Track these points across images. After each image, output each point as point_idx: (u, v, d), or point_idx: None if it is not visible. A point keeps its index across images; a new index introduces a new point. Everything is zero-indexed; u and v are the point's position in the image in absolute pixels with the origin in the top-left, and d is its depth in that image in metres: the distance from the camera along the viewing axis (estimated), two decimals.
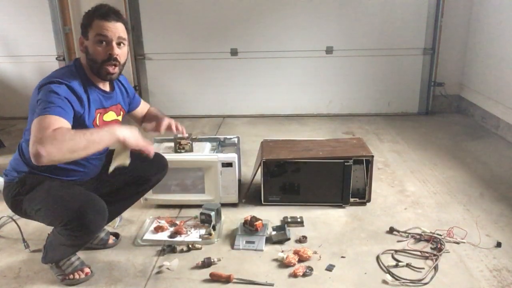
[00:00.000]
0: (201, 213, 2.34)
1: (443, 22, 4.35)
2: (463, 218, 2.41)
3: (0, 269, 2.04)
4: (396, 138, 3.85)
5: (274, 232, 2.23)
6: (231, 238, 2.24)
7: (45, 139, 1.47)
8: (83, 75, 1.79)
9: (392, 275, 1.90)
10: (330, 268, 1.98)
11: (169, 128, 2.11)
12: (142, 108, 2.21)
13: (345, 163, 2.48)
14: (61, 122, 1.56)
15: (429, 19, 4.36)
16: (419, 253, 2.07)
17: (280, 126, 4.32)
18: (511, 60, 3.63)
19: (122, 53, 1.80)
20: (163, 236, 2.26)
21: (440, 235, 2.19)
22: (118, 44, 1.77)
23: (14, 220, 2.24)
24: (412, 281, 1.87)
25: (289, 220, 2.37)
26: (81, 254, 1.99)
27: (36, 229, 2.30)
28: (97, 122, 1.82)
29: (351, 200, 2.56)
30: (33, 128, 1.53)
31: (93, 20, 1.74)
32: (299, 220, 2.37)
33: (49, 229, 1.92)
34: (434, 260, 2.01)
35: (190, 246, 2.15)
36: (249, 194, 2.66)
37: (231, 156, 2.50)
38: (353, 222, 2.40)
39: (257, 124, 4.40)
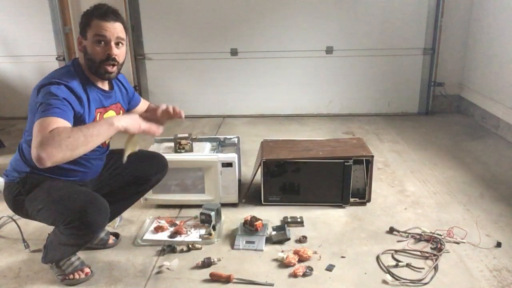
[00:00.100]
0: (201, 213, 2.34)
1: (443, 22, 4.35)
2: (463, 218, 2.41)
3: (0, 269, 2.04)
4: (396, 138, 3.85)
5: (274, 232, 2.23)
6: (231, 238, 2.24)
7: (43, 141, 1.47)
8: (82, 75, 1.79)
9: (392, 275, 1.90)
10: (330, 268, 1.98)
11: (166, 113, 1.98)
12: (142, 106, 2.21)
13: (345, 163, 2.48)
14: (60, 123, 1.56)
15: (429, 19, 4.36)
16: (419, 253, 2.07)
17: (280, 126, 4.32)
18: (511, 60, 3.63)
19: (120, 53, 1.80)
20: (163, 236, 2.26)
21: (440, 235, 2.19)
22: (117, 44, 1.77)
23: (14, 220, 2.24)
24: (412, 281, 1.87)
25: (289, 220, 2.37)
26: (81, 254, 1.99)
27: (36, 229, 2.30)
28: None
29: (351, 200, 2.56)
30: (33, 132, 1.54)
31: (91, 20, 1.73)
32: (299, 220, 2.37)
33: (49, 229, 1.92)
34: (434, 260, 2.01)
35: (190, 246, 2.15)
36: (249, 194, 2.66)
37: (231, 156, 2.50)
38: (353, 222, 2.40)
39: (257, 124, 4.40)
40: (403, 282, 1.86)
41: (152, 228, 2.33)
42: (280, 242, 2.18)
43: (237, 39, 4.49)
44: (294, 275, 1.92)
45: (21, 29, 4.48)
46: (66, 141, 1.48)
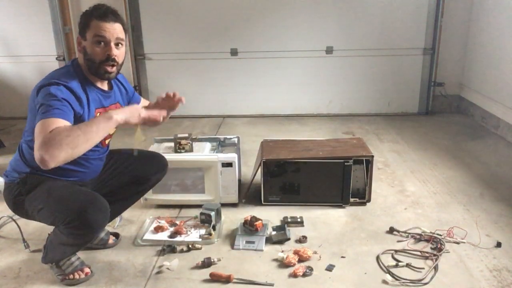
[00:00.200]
0: (201, 213, 2.34)
1: (443, 22, 4.35)
2: (463, 218, 2.41)
3: (0, 269, 2.04)
4: (396, 138, 3.85)
5: (274, 232, 2.22)
6: (231, 238, 2.24)
7: (44, 143, 1.48)
8: (81, 75, 1.79)
9: (392, 275, 1.90)
10: (330, 268, 1.98)
11: (167, 100, 1.92)
12: (142, 105, 2.21)
13: (345, 163, 2.48)
14: (60, 123, 1.56)
15: (429, 19, 4.36)
16: (419, 253, 2.07)
17: (280, 126, 4.32)
18: (511, 60, 3.63)
19: (120, 53, 1.80)
20: (163, 236, 2.26)
21: (440, 235, 2.19)
22: (116, 44, 1.77)
23: (14, 220, 2.24)
24: (412, 281, 1.87)
25: (289, 220, 2.37)
26: (81, 254, 1.99)
27: (36, 229, 2.30)
28: None
29: (351, 200, 2.56)
30: (35, 134, 1.54)
31: (91, 20, 1.73)
32: (299, 220, 2.37)
33: (49, 229, 1.92)
34: (434, 260, 2.01)
35: (190, 246, 2.15)
36: (249, 194, 2.66)
37: (231, 156, 2.50)
38: (353, 222, 2.40)
39: (257, 124, 4.40)
40: (403, 282, 1.86)
41: (152, 228, 2.33)
42: (280, 242, 2.18)
43: (237, 39, 4.49)
44: (294, 275, 1.92)
45: (21, 29, 4.48)
46: (66, 140, 1.49)
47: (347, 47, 4.45)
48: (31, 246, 2.17)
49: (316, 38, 4.45)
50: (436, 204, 2.59)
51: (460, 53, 4.49)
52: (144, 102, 2.23)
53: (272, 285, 1.87)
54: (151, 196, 2.53)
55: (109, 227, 2.28)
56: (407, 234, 2.23)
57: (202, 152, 2.61)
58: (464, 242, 2.16)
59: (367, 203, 2.59)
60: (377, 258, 2.05)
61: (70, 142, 1.49)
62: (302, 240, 2.19)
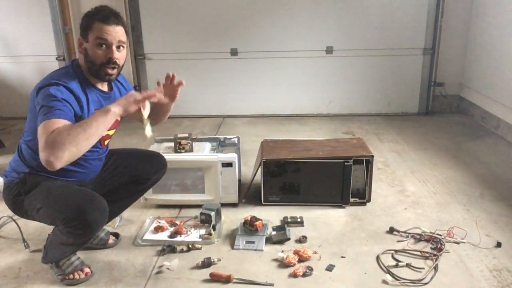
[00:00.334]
0: (201, 213, 2.34)
1: (443, 22, 4.35)
2: (463, 218, 2.41)
3: (0, 269, 2.04)
4: (396, 138, 3.85)
5: (274, 232, 2.22)
6: (231, 238, 2.24)
7: (47, 145, 1.50)
8: (81, 76, 1.79)
9: (392, 275, 1.90)
10: (330, 268, 1.98)
11: (166, 80, 1.89)
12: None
13: (345, 163, 2.48)
14: (62, 123, 1.57)
15: (429, 19, 4.36)
16: (419, 253, 2.07)
17: (280, 126, 4.32)
18: (511, 60, 3.63)
19: (121, 56, 1.80)
20: (163, 236, 2.26)
21: (440, 235, 2.19)
22: (118, 47, 1.77)
23: (14, 220, 2.24)
24: (412, 281, 1.87)
25: (289, 220, 2.37)
26: (81, 254, 1.99)
27: (36, 229, 2.30)
28: None
29: (351, 200, 2.56)
30: (38, 137, 1.57)
31: (93, 22, 1.73)
32: (299, 220, 2.37)
33: (49, 229, 1.92)
34: (434, 260, 2.01)
35: (190, 246, 2.15)
36: (249, 194, 2.66)
37: (231, 156, 2.50)
38: (353, 222, 2.40)
39: (257, 124, 4.40)
40: (403, 282, 1.86)
41: (152, 228, 2.33)
42: (280, 242, 2.18)
43: (237, 39, 4.49)
44: (294, 275, 1.92)
45: (21, 29, 4.48)
46: (68, 139, 1.50)
47: (347, 47, 4.45)
48: (31, 246, 2.18)
49: (316, 38, 4.45)
50: (436, 204, 2.59)
51: (460, 53, 4.49)
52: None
53: (272, 285, 1.87)
54: (151, 196, 2.53)
55: (109, 227, 2.28)
56: (407, 234, 2.23)
57: (202, 152, 2.61)
58: (464, 242, 2.16)
59: (367, 203, 2.59)
60: (377, 258, 2.05)
61: (72, 140, 1.51)
62: (302, 240, 2.19)
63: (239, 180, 2.75)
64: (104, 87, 1.89)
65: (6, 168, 1.90)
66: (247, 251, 2.13)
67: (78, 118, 1.70)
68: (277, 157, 2.53)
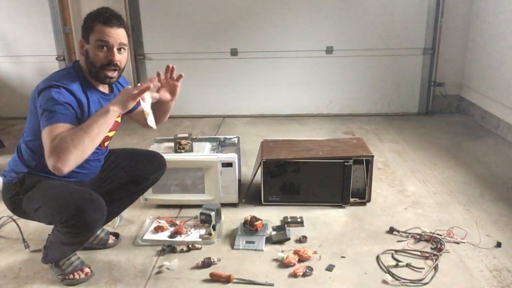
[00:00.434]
0: (201, 213, 2.34)
1: (443, 22, 4.35)
2: (463, 218, 2.41)
3: (0, 269, 2.04)
4: (396, 138, 3.85)
5: (274, 232, 2.22)
6: (231, 238, 2.24)
7: (52, 151, 1.53)
8: (82, 78, 1.79)
9: (392, 275, 1.90)
10: (330, 268, 1.98)
11: (166, 74, 1.89)
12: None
13: (345, 163, 2.48)
14: (65, 128, 1.59)
15: (429, 19, 4.36)
16: (419, 253, 2.07)
17: (280, 126, 4.32)
18: (511, 60, 3.63)
19: (122, 58, 1.80)
20: (163, 236, 2.26)
21: (440, 235, 2.19)
22: (119, 49, 1.77)
23: (14, 220, 2.24)
24: (412, 281, 1.87)
25: (289, 220, 2.37)
26: (81, 254, 1.99)
27: (36, 229, 2.30)
28: None
29: (351, 200, 2.56)
30: (43, 142, 1.59)
31: (95, 24, 1.73)
32: (299, 220, 2.37)
33: (49, 229, 1.92)
34: (434, 260, 2.01)
35: (190, 246, 2.15)
36: (249, 194, 2.66)
37: (231, 156, 2.50)
38: (353, 222, 2.40)
39: (257, 124, 4.40)
40: (403, 282, 1.86)
41: (152, 228, 2.33)
42: (280, 242, 2.18)
43: (237, 39, 4.49)
44: (294, 275, 1.92)
45: (21, 29, 4.48)
46: (71, 143, 1.53)
47: (347, 47, 4.45)
48: (31, 246, 2.18)
49: (316, 38, 4.45)
50: (436, 204, 2.59)
51: (460, 53, 4.49)
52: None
53: (272, 285, 1.87)
54: (151, 196, 2.53)
55: (109, 227, 2.28)
56: (407, 234, 2.23)
57: (202, 152, 2.61)
58: (464, 242, 2.16)
59: (367, 203, 2.59)
60: (377, 258, 2.05)
61: (77, 144, 1.53)
62: (302, 240, 2.19)
63: (239, 180, 2.75)
64: (105, 88, 1.89)
65: (5, 168, 1.90)
66: (247, 251, 2.13)
67: (79, 120, 1.70)
68: (277, 157, 2.53)
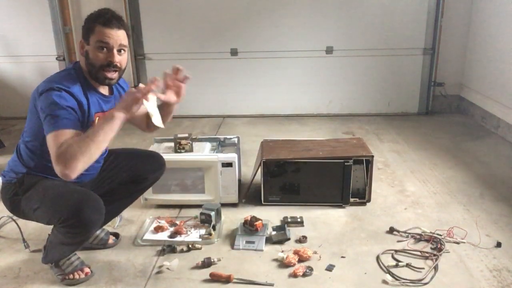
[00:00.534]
0: (201, 213, 2.34)
1: (443, 22, 4.35)
2: (463, 218, 2.41)
3: (0, 269, 2.04)
4: (396, 138, 3.85)
5: (274, 232, 2.22)
6: (231, 238, 2.24)
7: (60, 159, 1.54)
8: (83, 79, 1.79)
9: (392, 275, 1.90)
10: (330, 268, 1.98)
11: (173, 75, 1.89)
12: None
13: (345, 163, 2.48)
14: (70, 134, 1.60)
15: (429, 19, 4.36)
16: (419, 253, 2.07)
17: (280, 126, 4.32)
18: (511, 60, 3.63)
19: (122, 59, 1.80)
20: (163, 236, 2.26)
21: (440, 235, 2.19)
22: (119, 51, 1.77)
23: (14, 220, 2.24)
24: (412, 281, 1.87)
25: (289, 220, 2.37)
26: (81, 254, 1.99)
27: (36, 229, 2.30)
28: None
29: (351, 200, 2.56)
30: (49, 148, 1.60)
31: (95, 25, 1.73)
32: (299, 220, 2.37)
33: (49, 229, 1.91)
34: (434, 260, 2.01)
35: (190, 246, 2.15)
36: (249, 194, 2.66)
37: (231, 156, 2.50)
38: (353, 222, 2.40)
39: (257, 124, 4.40)
40: (403, 282, 1.86)
41: (152, 228, 2.33)
42: (280, 242, 2.18)
43: (237, 39, 4.49)
44: (294, 275, 1.92)
45: (21, 29, 4.48)
46: (78, 151, 1.54)
47: (347, 47, 4.45)
48: (31, 246, 2.18)
49: (316, 38, 4.45)
50: (436, 204, 2.59)
51: (460, 53, 4.49)
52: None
53: (272, 285, 1.87)
54: (151, 196, 2.53)
55: (109, 227, 2.28)
56: (407, 234, 2.23)
57: (202, 152, 2.61)
58: (464, 242, 2.16)
59: (367, 203, 2.59)
60: (377, 258, 2.05)
61: (84, 151, 1.55)
62: (302, 240, 2.19)
63: (239, 180, 2.75)
64: (105, 90, 1.89)
65: (5, 168, 1.90)
66: (247, 251, 2.13)
67: (81, 123, 1.71)
68: (277, 157, 2.53)
